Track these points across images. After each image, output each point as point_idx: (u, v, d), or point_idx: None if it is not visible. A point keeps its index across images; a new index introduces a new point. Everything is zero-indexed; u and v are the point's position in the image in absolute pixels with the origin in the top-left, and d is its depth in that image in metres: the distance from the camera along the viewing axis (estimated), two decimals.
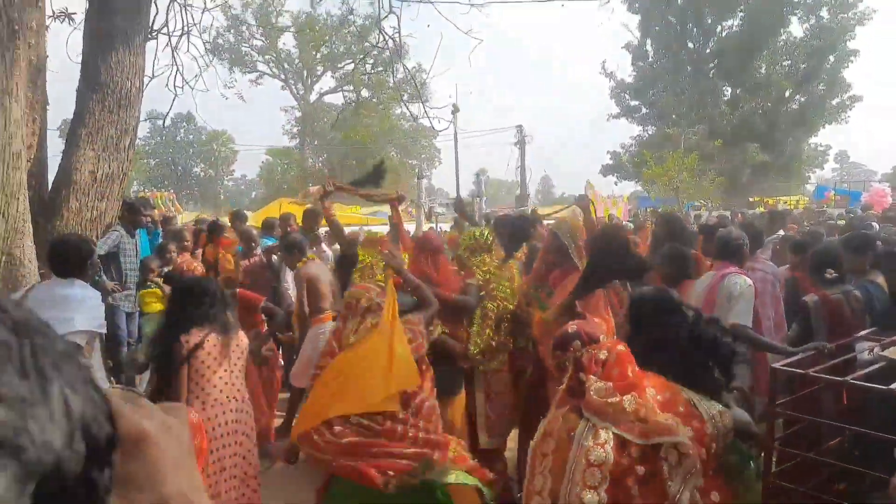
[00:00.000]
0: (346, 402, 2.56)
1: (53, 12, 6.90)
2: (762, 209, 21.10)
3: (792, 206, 22.77)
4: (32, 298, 3.15)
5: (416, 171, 27.32)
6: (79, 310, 3.16)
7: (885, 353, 2.97)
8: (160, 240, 6.98)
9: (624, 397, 1.96)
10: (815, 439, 3.18)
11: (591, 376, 2.04)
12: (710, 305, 3.96)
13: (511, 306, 3.89)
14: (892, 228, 7.22)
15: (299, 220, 6.94)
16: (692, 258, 4.16)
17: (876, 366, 2.86)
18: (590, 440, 1.92)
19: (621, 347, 2.10)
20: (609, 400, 1.96)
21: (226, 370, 3.00)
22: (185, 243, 6.43)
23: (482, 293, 3.80)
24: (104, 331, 3.36)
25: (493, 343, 3.79)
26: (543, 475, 2.05)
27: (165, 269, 5.50)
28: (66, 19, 7.19)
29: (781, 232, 6.56)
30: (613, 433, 1.92)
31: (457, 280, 3.75)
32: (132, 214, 5.77)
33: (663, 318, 2.23)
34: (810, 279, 3.83)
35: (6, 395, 0.35)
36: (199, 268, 5.23)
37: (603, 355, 2.07)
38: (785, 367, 2.85)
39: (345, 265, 5.31)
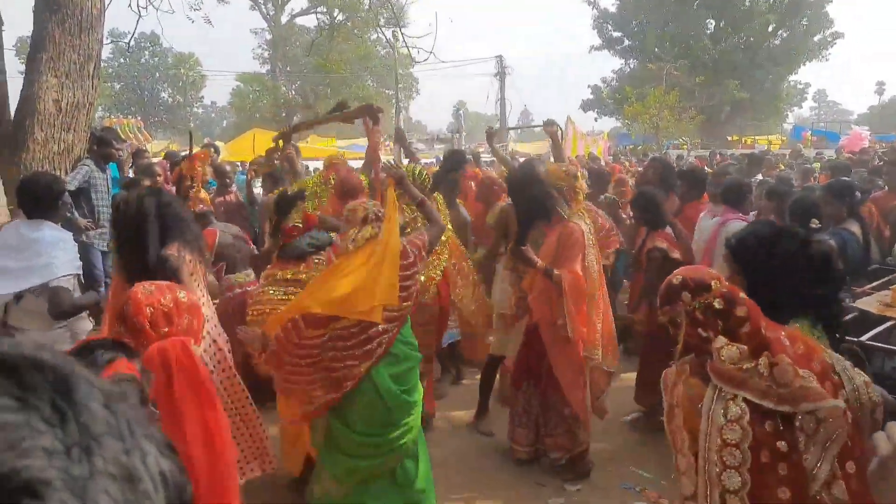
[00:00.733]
0: (332, 302, 2.55)
1: None
2: (740, 149, 21.20)
3: (775, 146, 22.93)
4: (0, 242, 3.03)
5: (394, 101, 26.62)
6: (55, 254, 3.06)
7: (857, 304, 3.05)
8: (130, 174, 6.76)
9: (759, 360, 1.68)
10: None
11: (720, 336, 1.76)
12: (710, 253, 4.09)
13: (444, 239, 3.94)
14: (863, 173, 7.30)
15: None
16: (662, 204, 4.19)
17: (848, 316, 2.94)
18: (721, 415, 1.67)
19: (743, 295, 1.81)
20: (744, 366, 1.69)
21: (204, 296, 2.89)
22: (158, 178, 6.22)
23: (408, 230, 3.78)
24: (80, 271, 3.26)
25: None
26: (683, 454, 1.86)
27: None
28: None
29: (759, 176, 6.59)
30: (747, 402, 1.66)
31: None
32: (102, 147, 5.52)
33: (771, 249, 1.98)
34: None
35: (118, 475, 0.35)
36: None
37: (719, 304, 1.79)
38: None
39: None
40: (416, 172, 3.94)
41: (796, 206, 3.73)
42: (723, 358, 1.71)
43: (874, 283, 3.43)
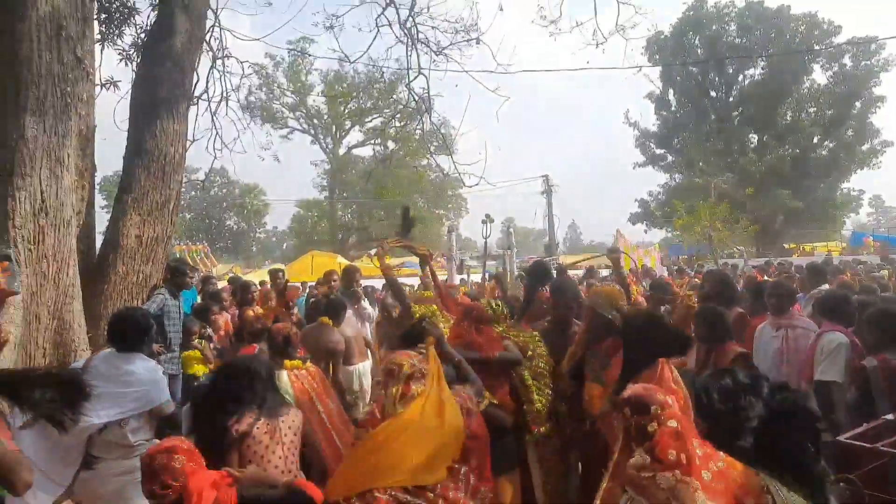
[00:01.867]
0: (391, 472, 2.48)
1: (101, 82, 7.27)
2: (798, 256, 20.69)
3: (835, 252, 22.28)
4: (96, 372, 3.19)
5: (446, 222, 27.52)
6: (155, 384, 3.30)
7: None
8: (197, 299, 7.11)
9: (661, 474, 1.82)
10: None
11: (639, 448, 1.93)
12: (809, 364, 4.05)
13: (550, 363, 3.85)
14: None
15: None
16: (728, 319, 4.08)
17: None
18: None
19: (672, 423, 1.94)
20: (644, 474, 1.85)
21: (279, 454, 2.93)
22: (224, 303, 6.51)
23: (529, 354, 3.77)
24: (171, 402, 3.45)
25: (547, 405, 3.72)
26: None
27: (207, 331, 5.57)
28: (112, 87, 7.57)
29: (825, 286, 6.29)
30: None
31: (499, 345, 3.69)
32: (176, 277, 5.88)
33: (731, 403, 2.06)
34: (869, 341, 3.67)
35: None
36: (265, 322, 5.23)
37: (651, 428, 1.93)
38: (849, 440, 2.71)
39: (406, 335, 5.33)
40: (495, 305, 3.97)
41: (885, 321, 3.47)
42: (630, 463, 1.89)
43: None
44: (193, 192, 44.74)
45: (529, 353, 3.78)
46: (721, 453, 1.91)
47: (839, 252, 23.35)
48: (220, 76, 7.63)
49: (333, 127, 40.46)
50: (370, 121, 39.01)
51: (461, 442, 2.57)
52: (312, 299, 6.94)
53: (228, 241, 46.40)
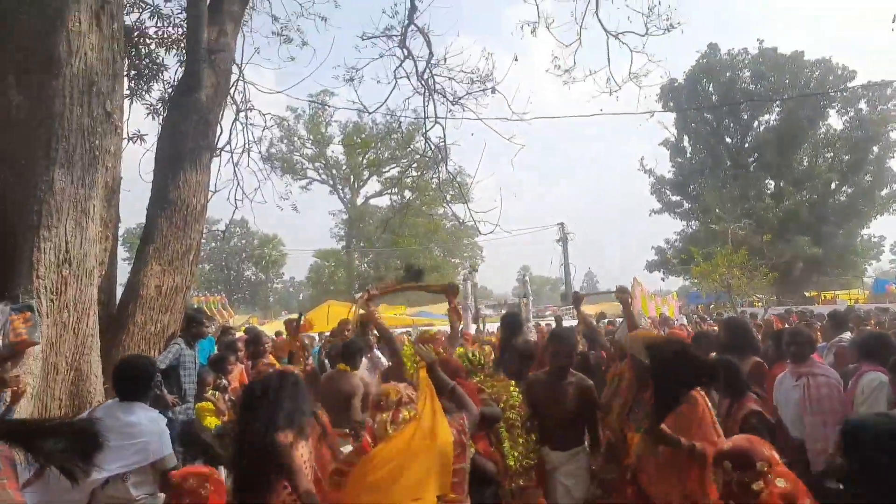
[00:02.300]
0: (388, 492, 2.43)
1: (128, 136, 7.52)
2: (821, 305, 20.32)
3: (860, 300, 21.87)
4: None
5: (461, 270, 27.58)
6: (158, 436, 3.25)
7: None
8: (215, 350, 7.11)
9: None
10: None
11: None
12: (850, 404, 4.11)
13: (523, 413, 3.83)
14: None
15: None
16: (742, 371, 4.03)
17: None
18: None
19: (781, 482, 1.85)
20: None
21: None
22: (240, 353, 6.52)
23: (501, 406, 3.71)
24: (175, 464, 3.40)
25: (524, 456, 3.73)
26: None
27: (222, 382, 5.55)
28: (139, 141, 7.82)
29: (847, 335, 6.16)
30: None
31: (477, 399, 3.64)
32: (193, 326, 5.91)
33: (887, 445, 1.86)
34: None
35: None
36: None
37: (757, 487, 1.85)
38: None
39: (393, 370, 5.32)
40: (471, 355, 4.00)
41: None
42: None
43: None
44: (214, 244, 45.58)
45: (502, 404, 3.73)
46: None
47: (863, 300, 22.92)
48: (243, 128, 7.88)
49: (351, 177, 41.24)
50: (387, 171, 39.73)
51: (451, 462, 2.55)
52: (330, 347, 6.92)
53: (246, 291, 46.78)
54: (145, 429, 3.19)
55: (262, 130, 8.08)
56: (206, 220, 6.57)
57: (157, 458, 3.18)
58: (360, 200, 41.94)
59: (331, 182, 41.19)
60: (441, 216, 36.48)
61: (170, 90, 7.35)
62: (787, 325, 9.22)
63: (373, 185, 42.19)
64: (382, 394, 2.75)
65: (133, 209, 7.01)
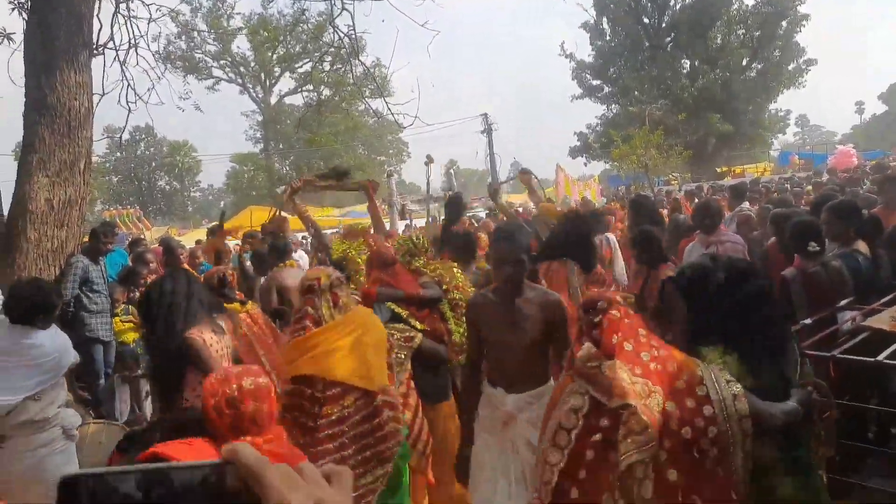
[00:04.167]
0: (333, 368, 2.49)
1: None
2: (731, 179, 21.41)
3: (765, 173, 23.18)
4: None
5: (385, 167, 27.11)
6: (65, 350, 3.18)
7: (867, 322, 2.97)
8: (127, 263, 6.79)
9: (605, 363, 1.94)
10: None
11: (587, 343, 2.03)
12: None
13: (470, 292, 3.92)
14: (858, 191, 7.31)
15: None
16: (660, 241, 4.23)
17: (860, 336, 2.85)
18: (567, 403, 1.97)
19: (615, 313, 2.06)
20: (590, 364, 1.96)
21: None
22: (150, 265, 6.25)
23: (444, 287, 3.79)
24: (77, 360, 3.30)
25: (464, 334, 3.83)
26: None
27: (135, 295, 5.34)
28: (5, 40, 6.90)
29: (745, 204, 6.64)
30: (589, 398, 1.93)
31: (415, 283, 3.70)
32: (95, 241, 5.58)
33: (703, 282, 2.12)
34: (790, 251, 3.82)
35: None
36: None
37: (596, 320, 2.06)
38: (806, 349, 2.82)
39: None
40: (415, 238, 4.01)
41: (796, 230, 3.68)
42: (578, 356, 2.00)
43: (885, 300, 3.34)
44: (119, 153, 42.49)
45: (445, 285, 3.79)
46: (662, 342, 2.03)
47: (768, 172, 24.29)
48: (126, 22, 7.03)
49: (262, 75, 38.69)
50: (300, 66, 37.43)
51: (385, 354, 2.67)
52: (252, 252, 6.72)
53: (161, 202, 44.49)
54: (50, 347, 3.06)
55: (148, 23, 7.17)
56: (101, 126, 6.02)
57: (65, 370, 3.13)
58: (273, 99, 39.69)
59: (240, 81, 38.59)
60: (362, 113, 35.21)
61: None
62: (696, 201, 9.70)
63: (287, 83, 39.88)
64: (311, 279, 2.69)
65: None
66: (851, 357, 2.61)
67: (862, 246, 3.72)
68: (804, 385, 2.19)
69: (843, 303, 3.29)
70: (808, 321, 3.03)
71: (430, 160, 14.69)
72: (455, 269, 3.99)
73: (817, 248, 3.40)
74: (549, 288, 3.41)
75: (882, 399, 2.86)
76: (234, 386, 1.97)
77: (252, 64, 38.13)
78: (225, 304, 3.69)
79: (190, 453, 1.74)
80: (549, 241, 3.50)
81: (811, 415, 2.12)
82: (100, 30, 6.50)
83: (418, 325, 3.38)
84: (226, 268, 4.00)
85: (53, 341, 3.14)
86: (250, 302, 4.00)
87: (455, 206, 5.47)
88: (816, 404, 2.21)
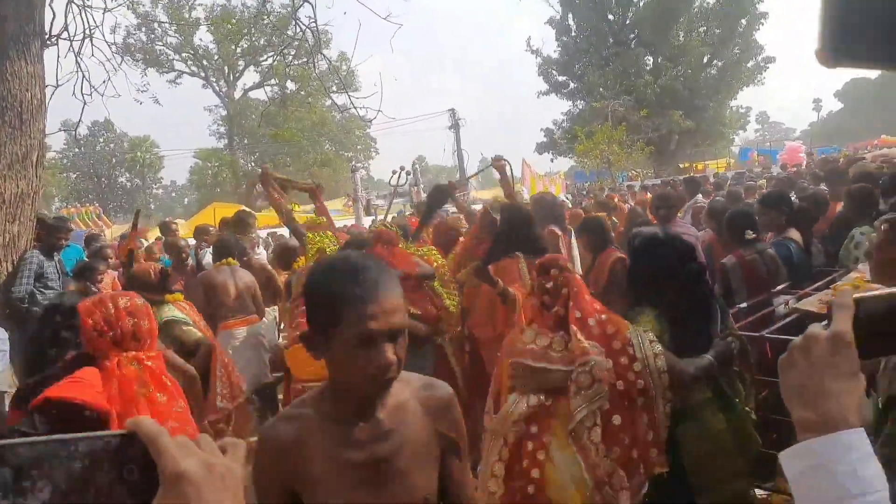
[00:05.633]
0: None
1: None
2: (692, 174, 21.92)
3: (720, 170, 23.80)
4: None
5: (352, 163, 26.95)
6: None
7: (798, 305, 3.14)
8: (83, 258, 6.68)
9: (554, 337, 2.28)
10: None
11: (532, 325, 2.36)
12: None
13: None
14: (802, 183, 7.60)
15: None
16: (608, 228, 4.50)
17: (791, 318, 3.02)
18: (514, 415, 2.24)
19: (565, 290, 2.36)
20: (536, 343, 2.30)
21: None
22: (110, 261, 6.16)
23: (435, 265, 4.02)
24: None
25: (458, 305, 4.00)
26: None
27: (92, 290, 5.26)
28: None
29: (699, 197, 6.88)
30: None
31: (412, 262, 3.84)
32: (49, 236, 5.48)
33: (682, 265, 2.40)
34: (727, 241, 4.01)
35: None
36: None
37: (548, 284, 2.36)
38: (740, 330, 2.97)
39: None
40: (387, 227, 4.11)
41: (730, 220, 3.87)
42: (525, 339, 2.30)
43: (816, 284, 3.54)
44: (77, 149, 41.33)
45: (435, 264, 4.00)
46: (604, 308, 2.36)
47: (726, 168, 24.93)
48: (80, 12, 6.88)
49: (226, 68, 38.04)
50: (265, 59, 36.90)
51: None
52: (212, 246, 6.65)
53: (122, 199, 43.46)
54: None
55: (104, 13, 7.04)
56: (59, 121, 5.89)
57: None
58: (238, 94, 39.07)
59: (202, 74, 37.87)
60: (329, 108, 34.87)
61: None
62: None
63: (251, 77, 39.29)
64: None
65: None
66: (780, 336, 2.78)
67: (794, 234, 3.92)
68: (726, 336, 2.48)
69: (777, 288, 3.47)
70: (744, 304, 3.20)
71: (402, 171, 14.76)
72: (434, 251, 4.21)
73: (753, 236, 3.58)
74: (503, 282, 3.52)
75: None
76: (110, 305, 2.04)
77: (215, 57, 37.46)
78: (166, 297, 3.73)
79: (80, 388, 1.79)
80: (495, 240, 3.63)
81: (731, 360, 2.47)
82: (52, 19, 6.38)
83: (411, 309, 3.49)
84: (153, 264, 4.07)
85: None
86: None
87: (433, 199, 5.50)
88: (735, 351, 2.51)
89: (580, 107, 33.78)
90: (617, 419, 2.17)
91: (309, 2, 7.63)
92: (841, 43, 0.53)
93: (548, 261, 2.42)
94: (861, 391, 0.74)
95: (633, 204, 9.30)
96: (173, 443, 0.56)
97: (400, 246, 3.97)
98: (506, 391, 2.35)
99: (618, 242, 5.47)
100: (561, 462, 2.15)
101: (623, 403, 2.18)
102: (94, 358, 1.96)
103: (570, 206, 14.08)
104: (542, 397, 2.22)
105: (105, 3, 6.95)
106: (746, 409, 2.52)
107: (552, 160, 35.43)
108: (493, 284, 3.54)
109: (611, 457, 2.14)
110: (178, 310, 3.77)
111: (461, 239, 4.89)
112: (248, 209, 6.96)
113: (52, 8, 6.19)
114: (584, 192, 18.06)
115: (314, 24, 7.94)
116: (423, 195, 17.56)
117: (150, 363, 2.00)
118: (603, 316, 2.30)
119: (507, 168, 5.20)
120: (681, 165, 28.06)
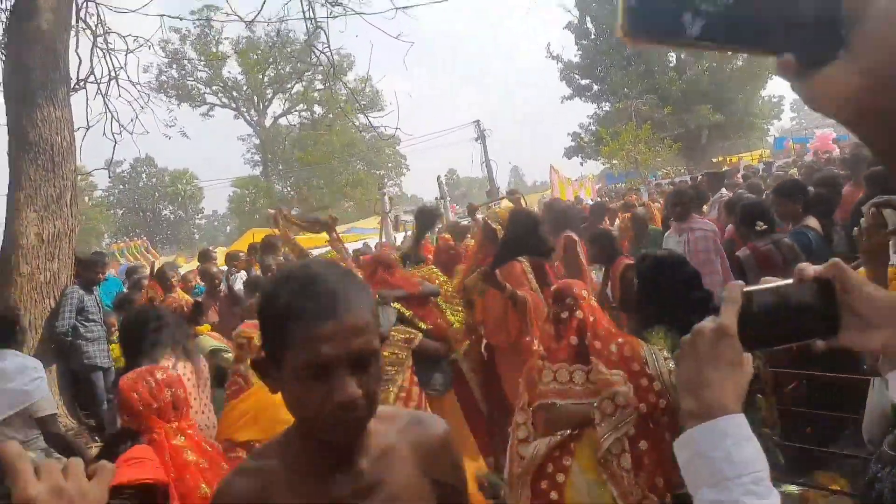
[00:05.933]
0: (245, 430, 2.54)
1: None
2: (727, 168, 21.45)
3: (755, 162, 23.22)
4: None
5: (385, 181, 27.28)
6: (29, 380, 3.18)
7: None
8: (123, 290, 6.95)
9: (574, 373, 2.23)
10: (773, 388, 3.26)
11: (545, 361, 2.30)
12: (709, 262, 4.59)
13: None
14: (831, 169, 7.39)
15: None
16: (616, 239, 4.47)
17: None
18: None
19: (579, 314, 2.32)
20: (559, 382, 2.27)
21: (196, 399, 2.93)
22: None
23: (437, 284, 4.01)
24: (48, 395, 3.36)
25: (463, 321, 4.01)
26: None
27: None
28: None
29: (724, 191, 6.74)
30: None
31: (414, 282, 3.87)
32: (86, 271, 5.74)
33: (688, 291, 2.41)
34: (743, 234, 3.95)
35: None
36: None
37: (564, 314, 2.33)
38: None
39: None
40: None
41: (742, 213, 3.81)
42: (545, 380, 2.27)
43: None
44: (122, 186, 42.97)
45: (438, 282, 4.02)
46: (620, 331, 2.36)
47: (765, 159, 24.28)
48: (105, 55, 7.23)
49: (255, 98, 39.09)
50: (291, 86, 37.78)
51: None
52: (244, 277, 6.83)
53: (167, 231, 44.93)
54: (16, 371, 3.14)
55: (126, 55, 7.37)
56: (101, 160, 6.17)
57: (25, 404, 3.14)
58: (268, 122, 40.07)
59: (233, 105, 38.98)
60: (357, 129, 35.37)
61: (6, 16, 6.61)
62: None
63: (280, 105, 40.26)
64: (243, 336, 2.78)
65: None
66: None
67: (813, 222, 3.84)
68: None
69: None
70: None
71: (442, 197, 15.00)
72: (436, 271, 4.22)
73: (764, 227, 3.52)
74: (510, 285, 3.55)
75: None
76: (150, 379, 2.09)
77: (244, 87, 38.54)
78: (197, 329, 3.87)
79: (143, 469, 1.81)
80: (502, 245, 3.66)
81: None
82: (79, 64, 6.72)
83: (423, 325, 3.58)
84: (179, 299, 4.24)
85: (20, 369, 3.19)
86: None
87: (423, 218, 5.51)
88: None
89: (605, 108, 33.48)
90: (643, 444, 2.14)
91: (322, 28, 7.84)
92: (638, 20, 0.51)
93: (562, 289, 2.41)
94: (743, 380, 0.76)
95: (648, 203, 9.22)
96: (30, 468, 0.58)
97: (400, 268, 4.01)
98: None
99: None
100: (583, 486, 2.13)
101: (648, 426, 2.16)
102: (137, 433, 1.98)
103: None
104: (566, 432, 2.21)
105: (127, 45, 7.28)
106: (765, 429, 2.46)
107: (582, 164, 35.16)
108: (500, 289, 3.57)
109: (639, 482, 2.11)
110: (213, 340, 3.90)
111: (467, 250, 4.98)
112: (271, 234, 7.14)
113: (77, 54, 6.52)
114: (613, 195, 17.88)
115: (328, 49, 8.15)
116: (457, 208, 17.67)
117: (190, 431, 2.06)
118: (620, 339, 2.28)
119: (522, 201, 5.43)
120: (714, 160, 27.46)
